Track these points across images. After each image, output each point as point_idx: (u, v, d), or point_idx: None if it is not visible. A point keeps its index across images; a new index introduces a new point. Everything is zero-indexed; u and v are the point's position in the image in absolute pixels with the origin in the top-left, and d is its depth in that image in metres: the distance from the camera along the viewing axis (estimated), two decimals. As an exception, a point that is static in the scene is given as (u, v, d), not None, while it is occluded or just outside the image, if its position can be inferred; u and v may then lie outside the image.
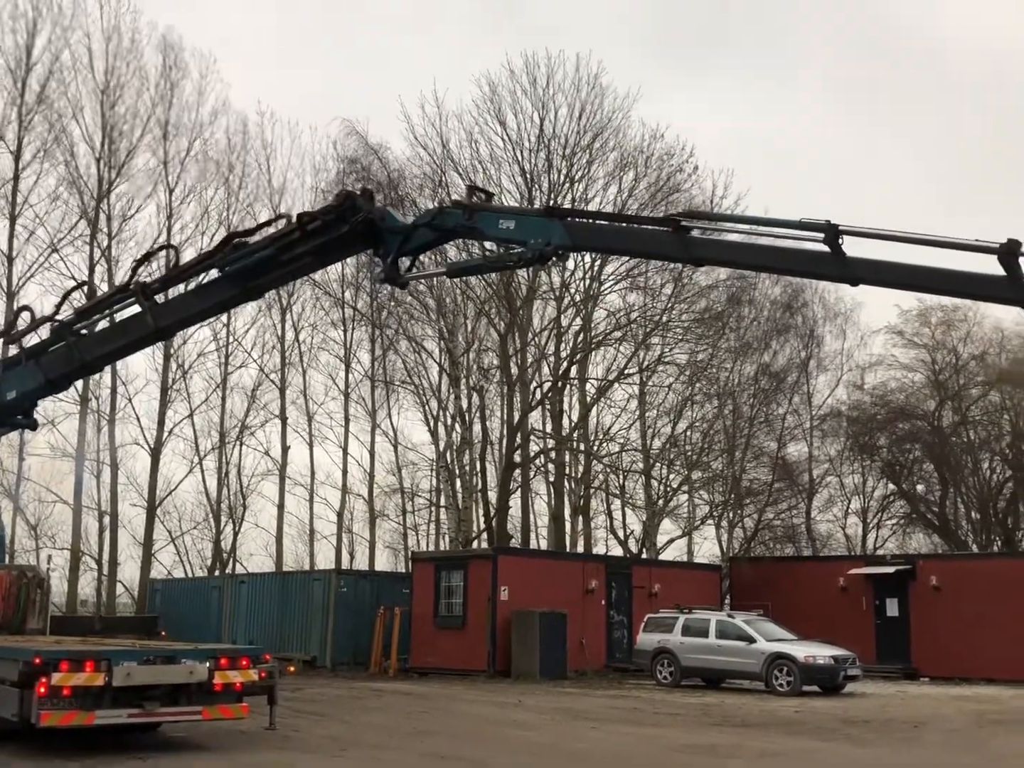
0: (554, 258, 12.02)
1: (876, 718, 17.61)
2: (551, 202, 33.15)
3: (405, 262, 12.94)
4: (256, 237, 13.46)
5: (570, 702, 19.86)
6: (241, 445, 39.70)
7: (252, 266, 12.86)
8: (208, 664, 12.29)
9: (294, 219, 12.75)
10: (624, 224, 13.65)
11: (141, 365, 38.83)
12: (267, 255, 12.70)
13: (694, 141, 53.02)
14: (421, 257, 14.05)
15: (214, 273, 13.53)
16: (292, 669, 17.02)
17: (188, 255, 34.91)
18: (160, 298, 14.00)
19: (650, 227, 11.79)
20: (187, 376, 38.15)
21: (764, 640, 23.00)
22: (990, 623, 27.38)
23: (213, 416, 39.21)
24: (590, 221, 12.77)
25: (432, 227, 12.30)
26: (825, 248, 9.40)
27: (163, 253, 16.11)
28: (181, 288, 14.69)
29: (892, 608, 29.62)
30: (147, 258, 15.69)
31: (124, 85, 35.98)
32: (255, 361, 39.61)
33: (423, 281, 31.65)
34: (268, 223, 13.95)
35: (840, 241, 9.31)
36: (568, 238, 11.29)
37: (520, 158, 34.15)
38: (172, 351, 36.83)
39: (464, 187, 33.94)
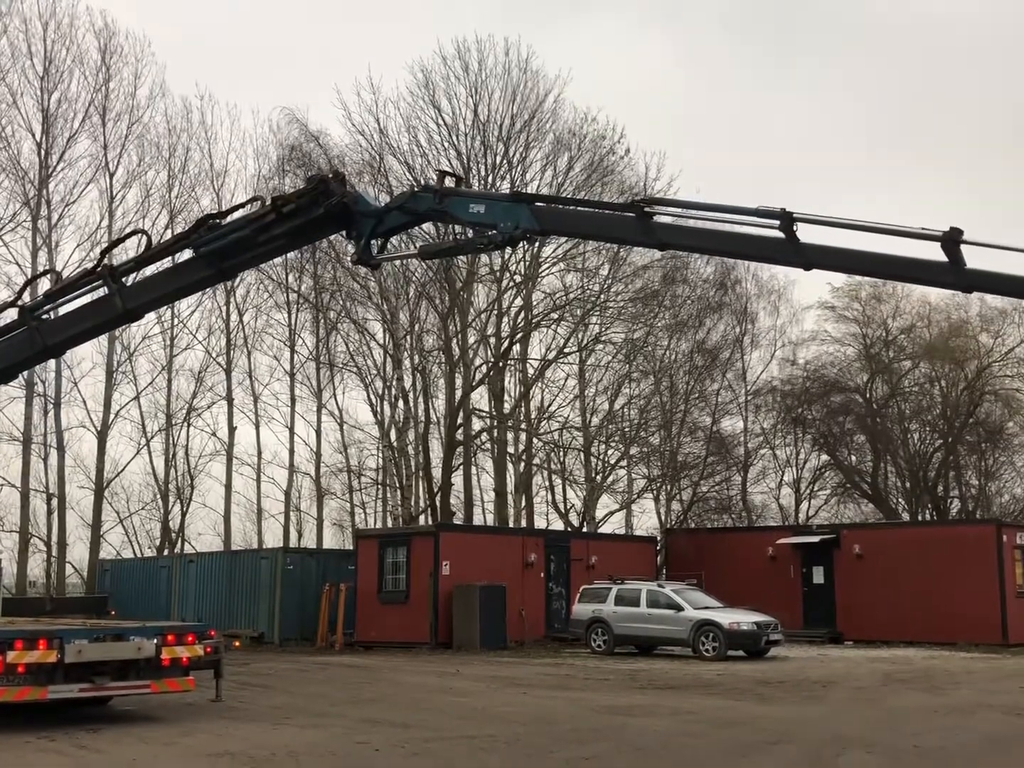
0: (523, 241, 12.62)
1: (790, 679, 18.80)
2: (489, 186, 34.00)
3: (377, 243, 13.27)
4: (231, 218, 13.61)
5: (506, 671, 20.85)
6: (188, 426, 40.19)
7: (226, 247, 12.99)
8: (155, 641, 13.05)
9: (268, 202, 12.94)
10: (590, 209, 13.97)
11: (87, 348, 38.98)
12: (242, 236, 12.84)
13: (625, 121, 54.31)
14: (393, 239, 14.28)
15: (187, 254, 13.77)
16: (237, 644, 17.82)
17: (130, 241, 35.60)
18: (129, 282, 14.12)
19: (615, 213, 12.30)
20: (132, 359, 38.53)
21: (692, 608, 24.19)
22: (909, 588, 28.88)
23: (159, 398, 39.66)
24: (557, 206, 13.17)
25: (404, 211, 12.54)
26: (780, 234, 9.97)
27: (134, 239, 15.95)
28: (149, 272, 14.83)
29: (818, 576, 31.05)
30: (117, 243, 15.80)
31: (62, 71, 36.14)
32: (200, 343, 40.07)
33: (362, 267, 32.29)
34: (242, 205, 14.04)
35: (794, 228, 9.90)
36: (536, 222, 11.68)
37: (456, 142, 34.92)
38: (117, 334, 37.11)
39: (402, 172, 34.97)
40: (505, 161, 35.17)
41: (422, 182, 31.14)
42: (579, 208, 13.98)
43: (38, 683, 12.31)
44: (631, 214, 11.10)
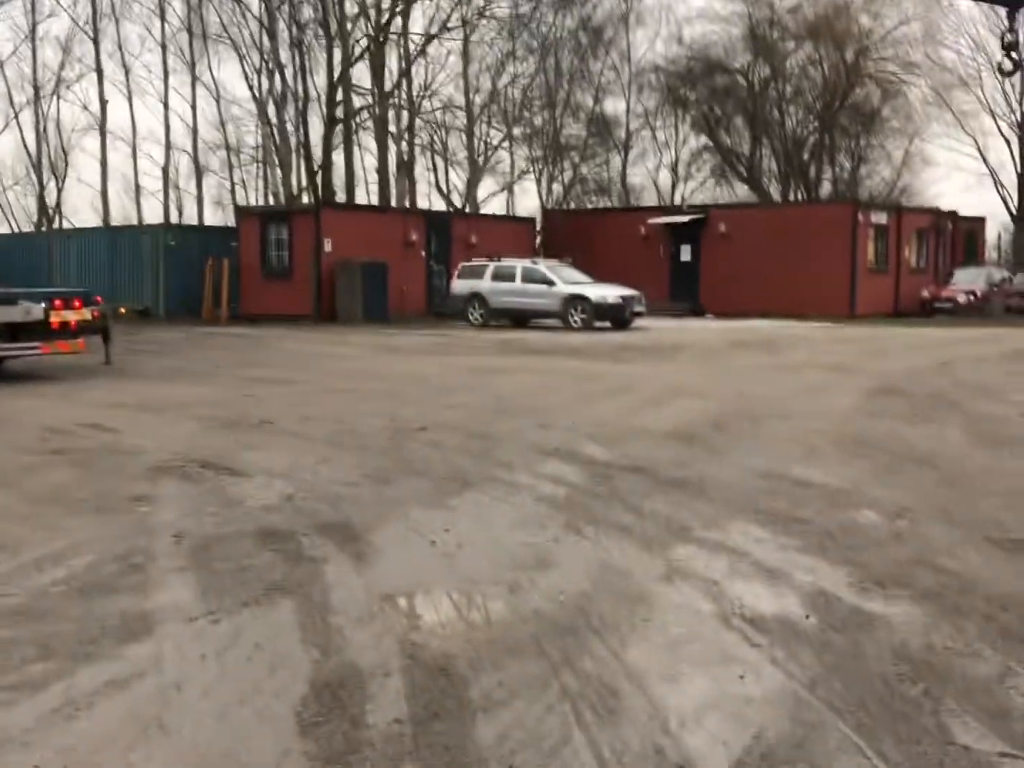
0: None
1: (647, 345, 20.50)
2: None
3: None
4: None
5: (388, 340, 22.13)
6: (58, 99, 38.78)
7: None
8: (43, 305, 13.72)
9: None
10: None
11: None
12: None
13: None
14: None
15: None
16: (123, 311, 18.53)
17: None
18: None
19: None
20: (-9, 25, 36.47)
21: (563, 283, 25.61)
22: (770, 266, 30.75)
23: (25, 68, 37.92)
24: None
25: None
26: None
27: None
28: None
29: (685, 254, 32.72)
30: None
31: None
32: (65, 10, 37.92)
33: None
34: None
35: None
36: None
37: None
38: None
39: None
40: None
41: None
42: None
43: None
44: None
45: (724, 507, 6.54)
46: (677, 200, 45.10)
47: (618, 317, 25.32)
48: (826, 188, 48.49)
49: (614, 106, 44.33)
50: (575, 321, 25.06)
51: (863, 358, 17.37)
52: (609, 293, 25.38)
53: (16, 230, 38.57)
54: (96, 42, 38.17)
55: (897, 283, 32.34)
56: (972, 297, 31.14)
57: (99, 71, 38.38)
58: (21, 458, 8.35)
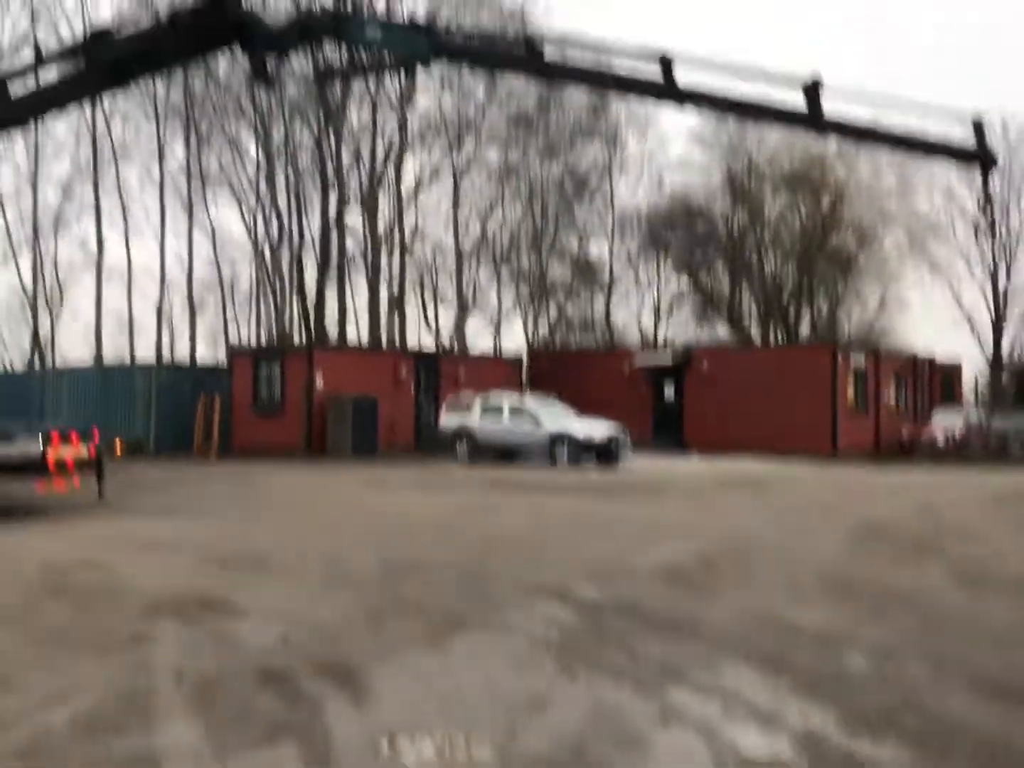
0: (418, 67, 13.01)
1: (634, 482, 20.73)
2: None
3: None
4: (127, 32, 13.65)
5: (377, 475, 22.29)
6: (56, 238, 39.67)
7: (123, 59, 13.08)
8: (40, 440, 13.89)
9: (164, 17, 13.12)
10: (485, 46, 14.20)
11: (-53, 155, 37.84)
12: (137, 50, 12.97)
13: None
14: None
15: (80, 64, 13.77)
16: (120, 443, 18.63)
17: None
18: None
19: (510, 49, 12.79)
20: (-5, 166, 37.56)
21: (549, 420, 25.96)
22: (752, 406, 31.25)
23: (25, 207, 38.89)
24: (455, 39, 13.52)
25: (301, 29, 12.84)
26: (659, 74, 10.74)
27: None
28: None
29: (669, 393, 33.24)
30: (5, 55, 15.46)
31: None
32: (66, 152, 39.12)
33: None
34: (137, 20, 14.19)
35: (672, 69, 10.66)
36: (433, 52, 12.17)
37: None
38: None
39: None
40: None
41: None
42: (476, 42, 14.28)
43: (-73, 480, 13.09)
44: (524, 52, 11.69)
45: (716, 648, 6.68)
46: (660, 340, 46.00)
47: (604, 454, 25.56)
48: (805, 329, 49.58)
49: (598, 248, 45.74)
50: (562, 458, 25.32)
51: (847, 498, 17.62)
52: (595, 430, 25.71)
53: (8, 366, 38.98)
54: (96, 183, 39.29)
55: (877, 423, 32.88)
56: (951, 438, 31.62)
57: (98, 211, 39.40)
58: (20, 596, 8.43)
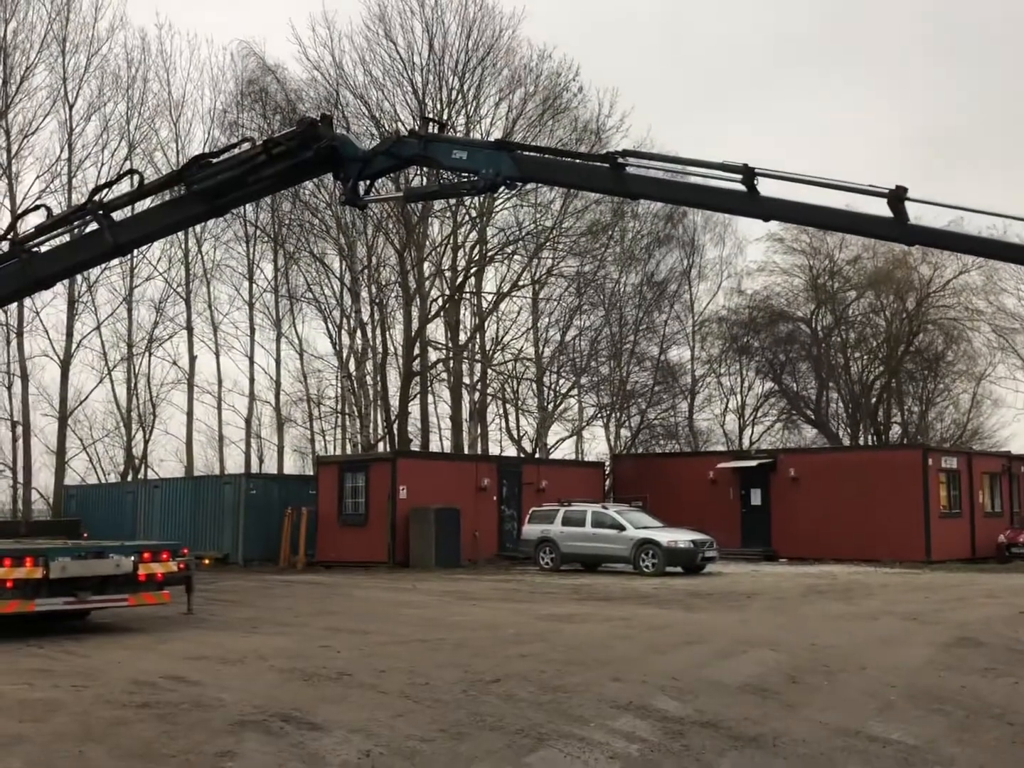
0: (503, 187, 13.53)
1: (720, 591, 20.40)
2: (449, 122, 34.78)
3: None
4: (222, 158, 14.29)
5: (459, 586, 22.32)
6: (149, 356, 41.13)
7: (218, 185, 13.46)
8: (133, 558, 14.26)
9: (259, 143, 13.62)
10: (568, 160, 14.38)
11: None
12: (234, 176, 13.32)
13: (580, 61, 54.90)
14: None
15: (178, 191, 14.36)
16: (207, 562, 19.10)
17: (90, 173, 36.09)
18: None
19: (591, 163, 13.22)
20: (93, 289, 39.21)
21: (633, 528, 25.79)
22: (841, 510, 30.63)
23: (120, 328, 40.50)
24: (537, 155, 13.62)
25: (389, 155, 13.12)
26: (742, 187, 10.99)
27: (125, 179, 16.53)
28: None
29: (756, 498, 32.79)
30: (110, 185, 16.49)
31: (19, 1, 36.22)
32: (160, 274, 40.76)
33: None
34: (233, 146, 14.88)
35: (755, 181, 10.92)
36: (516, 169, 12.48)
37: (411, 76, 35.60)
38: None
39: (358, 105, 35.63)
40: (460, 96, 35.93)
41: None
42: (558, 158, 14.41)
43: (25, 597, 13.46)
44: (606, 165, 12.00)
45: (800, 765, 6.56)
46: (745, 444, 45.57)
47: (689, 562, 25.27)
48: (895, 430, 48.70)
49: (679, 354, 45.84)
50: (646, 566, 25.06)
51: (939, 606, 17.12)
52: (680, 538, 25.46)
53: (103, 480, 40.12)
54: (188, 302, 40.87)
55: (972, 527, 31.92)
56: (1052, 540, 30.57)
57: (189, 329, 40.85)
58: (109, 712, 8.63)
